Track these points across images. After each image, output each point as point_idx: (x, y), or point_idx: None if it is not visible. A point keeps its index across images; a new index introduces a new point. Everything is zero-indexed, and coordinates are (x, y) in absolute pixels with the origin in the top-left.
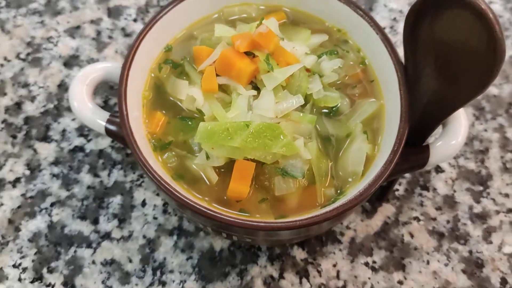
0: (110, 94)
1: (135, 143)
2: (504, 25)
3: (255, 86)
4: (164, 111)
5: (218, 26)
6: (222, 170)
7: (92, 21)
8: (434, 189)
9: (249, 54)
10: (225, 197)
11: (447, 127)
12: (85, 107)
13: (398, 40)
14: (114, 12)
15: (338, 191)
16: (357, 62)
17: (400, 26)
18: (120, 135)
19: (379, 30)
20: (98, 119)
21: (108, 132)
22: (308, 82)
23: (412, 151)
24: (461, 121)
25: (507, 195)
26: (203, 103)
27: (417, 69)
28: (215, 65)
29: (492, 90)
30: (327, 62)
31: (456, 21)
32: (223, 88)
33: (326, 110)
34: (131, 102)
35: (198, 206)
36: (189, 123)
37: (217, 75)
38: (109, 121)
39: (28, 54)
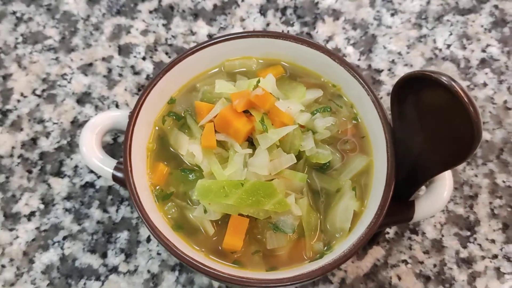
0: (120, 131)
1: (138, 198)
2: (500, 69)
3: (252, 141)
4: (166, 162)
5: (219, 82)
6: (219, 222)
7: (103, 59)
8: (423, 233)
9: (246, 111)
10: (220, 248)
11: (432, 185)
12: (93, 155)
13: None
14: (124, 50)
15: (326, 247)
16: (349, 118)
17: (398, 68)
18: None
19: (371, 91)
20: (106, 167)
21: (115, 179)
22: (301, 140)
23: (398, 206)
24: (445, 180)
25: (493, 241)
26: (202, 159)
27: (405, 133)
28: (214, 121)
29: (485, 135)
30: (320, 120)
31: (437, 98)
32: (221, 143)
33: (318, 167)
34: (135, 154)
35: (191, 260)
36: (189, 176)
37: (216, 131)
38: (116, 169)
39: (43, 91)
